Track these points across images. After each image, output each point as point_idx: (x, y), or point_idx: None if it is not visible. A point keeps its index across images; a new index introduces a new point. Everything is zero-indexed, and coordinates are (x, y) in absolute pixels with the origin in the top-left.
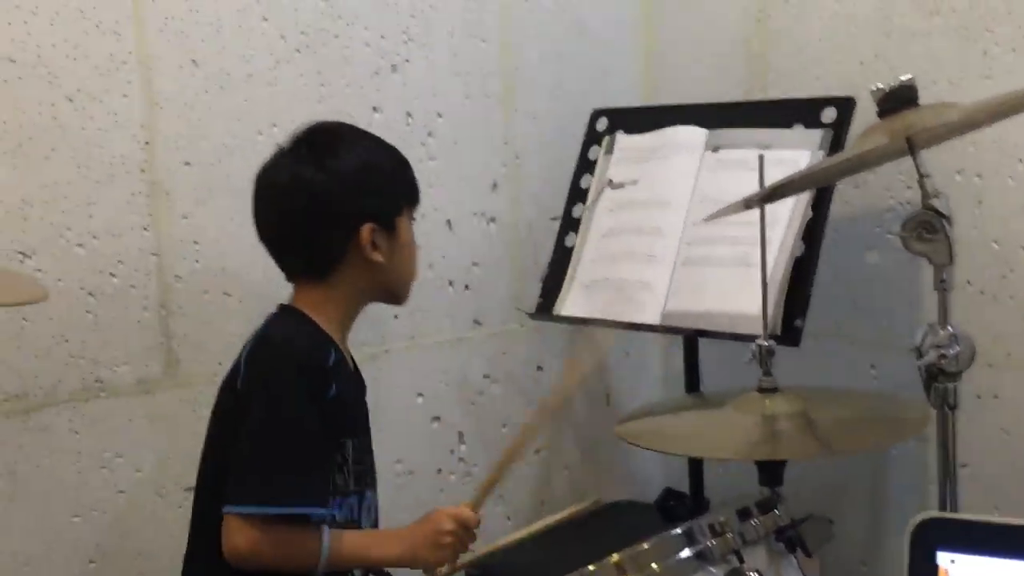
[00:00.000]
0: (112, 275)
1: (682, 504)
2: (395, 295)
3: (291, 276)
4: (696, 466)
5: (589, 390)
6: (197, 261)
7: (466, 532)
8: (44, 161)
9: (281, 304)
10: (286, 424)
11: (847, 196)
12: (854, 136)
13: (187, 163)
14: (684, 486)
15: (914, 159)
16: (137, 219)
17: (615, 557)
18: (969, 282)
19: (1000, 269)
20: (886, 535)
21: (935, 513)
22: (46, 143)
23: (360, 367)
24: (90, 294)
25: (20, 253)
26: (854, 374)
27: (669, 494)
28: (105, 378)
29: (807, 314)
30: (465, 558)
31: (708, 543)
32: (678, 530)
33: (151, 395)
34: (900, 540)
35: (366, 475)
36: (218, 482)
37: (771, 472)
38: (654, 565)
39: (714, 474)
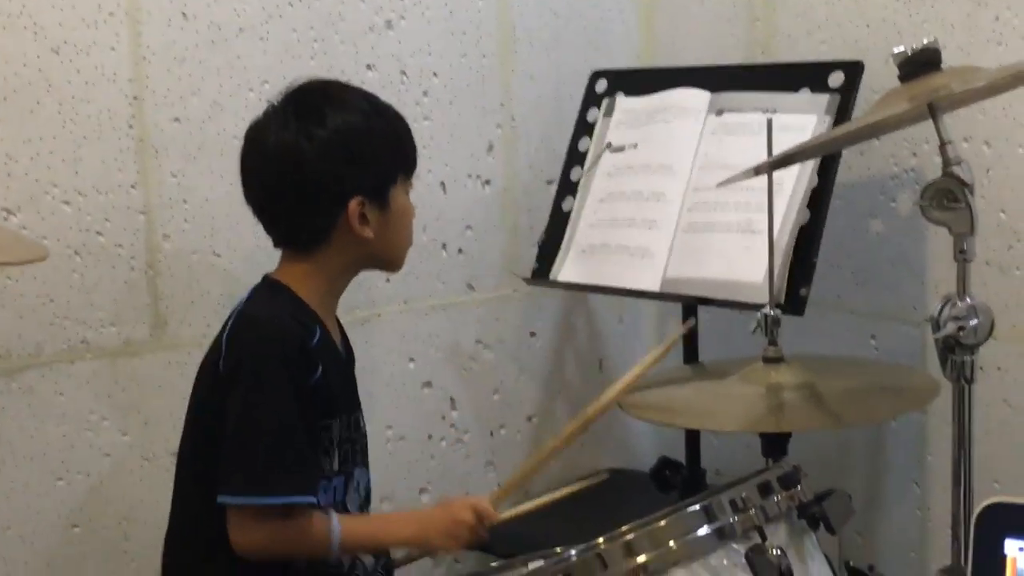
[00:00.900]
0: (99, 234)
1: (677, 474)
2: (387, 265)
3: (277, 244)
4: (692, 435)
5: (581, 357)
6: (186, 220)
7: (482, 527)
8: (29, 115)
9: (265, 276)
10: (271, 414)
11: (850, 162)
12: (862, 101)
13: (176, 119)
14: (676, 453)
15: (936, 125)
16: (124, 176)
17: (629, 535)
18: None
19: (1007, 239)
20: (882, 506)
21: (1003, 498)
22: (31, 96)
23: (350, 331)
24: (76, 253)
25: (4, 210)
26: (853, 344)
27: (664, 463)
28: (91, 339)
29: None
30: None
31: (730, 520)
32: (696, 506)
33: (138, 357)
34: (898, 510)
35: (355, 454)
36: (197, 465)
37: (775, 443)
38: (671, 543)
39: (708, 443)
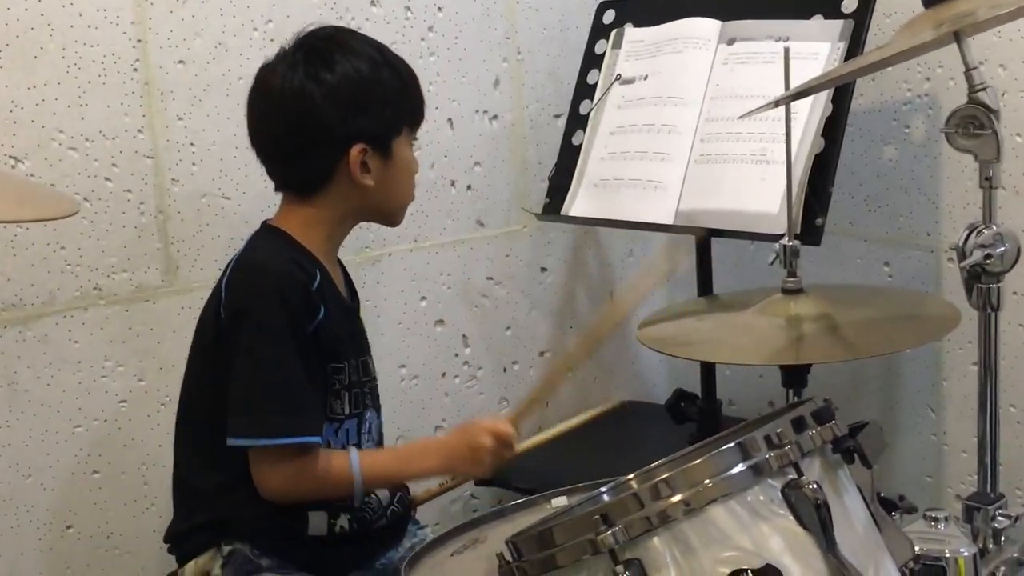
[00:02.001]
0: (107, 179)
1: (693, 405)
2: (386, 218)
3: (278, 188)
4: (708, 367)
5: (592, 291)
6: (194, 164)
7: (504, 448)
8: (32, 61)
9: (264, 222)
10: (273, 356)
11: (861, 88)
12: (873, 25)
13: (180, 61)
14: (688, 385)
15: (961, 52)
16: (131, 120)
17: (665, 474)
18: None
19: (1022, 164)
20: (897, 432)
21: None
22: (34, 42)
23: (361, 271)
24: (85, 199)
25: (12, 158)
26: (867, 271)
27: (680, 395)
28: (103, 285)
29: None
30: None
31: (766, 456)
32: (731, 444)
33: (151, 302)
34: (913, 436)
35: (365, 397)
36: (200, 412)
37: (796, 375)
38: (707, 481)
39: (720, 374)
